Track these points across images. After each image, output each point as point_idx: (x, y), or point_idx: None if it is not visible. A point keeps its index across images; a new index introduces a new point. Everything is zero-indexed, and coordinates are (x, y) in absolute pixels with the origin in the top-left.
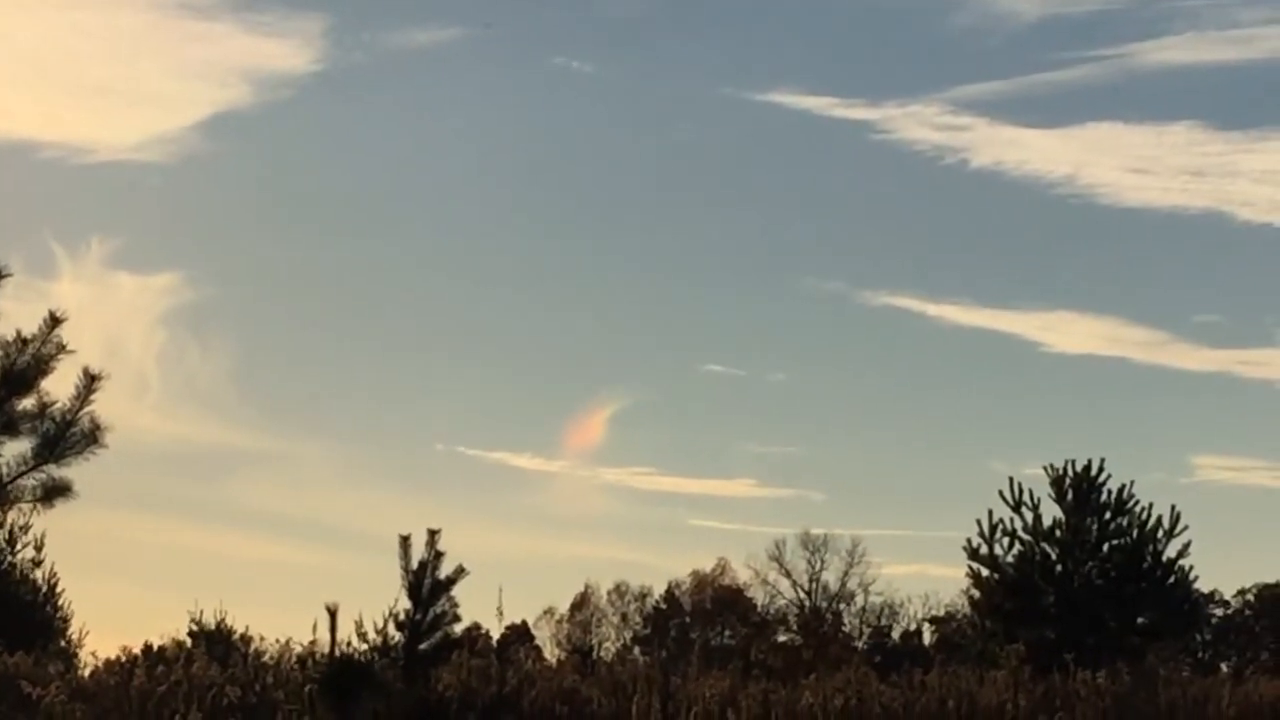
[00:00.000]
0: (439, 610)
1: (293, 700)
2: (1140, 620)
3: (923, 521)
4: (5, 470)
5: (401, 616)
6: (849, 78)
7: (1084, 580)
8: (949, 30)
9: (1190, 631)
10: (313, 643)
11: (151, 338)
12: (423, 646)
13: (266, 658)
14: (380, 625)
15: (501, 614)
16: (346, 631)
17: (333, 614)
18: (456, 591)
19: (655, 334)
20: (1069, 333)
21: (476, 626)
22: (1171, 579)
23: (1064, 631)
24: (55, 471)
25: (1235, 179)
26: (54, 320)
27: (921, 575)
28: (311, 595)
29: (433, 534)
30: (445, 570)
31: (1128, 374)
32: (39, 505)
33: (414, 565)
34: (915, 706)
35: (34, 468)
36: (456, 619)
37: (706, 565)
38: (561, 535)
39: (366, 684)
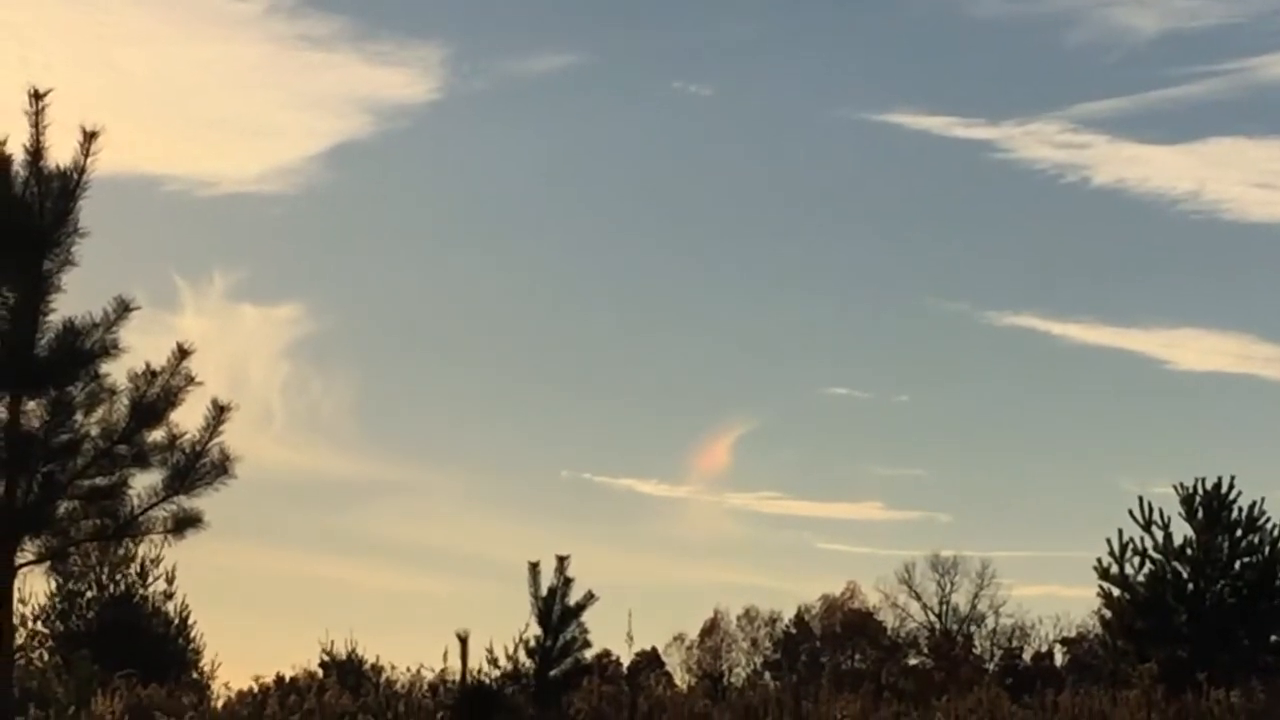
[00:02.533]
0: (569, 636)
1: None
2: (1274, 638)
3: (1050, 542)
4: (137, 502)
5: (532, 643)
6: (968, 97)
7: (1216, 599)
8: (1067, 47)
9: None
10: (443, 670)
11: (275, 369)
12: (553, 673)
13: (398, 686)
14: (510, 651)
15: (631, 640)
16: (477, 659)
17: (463, 641)
18: (586, 617)
19: (779, 357)
20: (1195, 350)
21: (607, 653)
22: None
23: (1196, 650)
24: (186, 503)
25: None
26: (182, 352)
27: (1050, 596)
28: (441, 624)
29: (561, 560)
30: (574, 596)
31: (1255, 390)
32: (170, 537)
33: (543, 592)
34: None
35: (164, 499)
36: (587, 645)
37: (835, 589)
38: (689, 561)
39: (498, 710)
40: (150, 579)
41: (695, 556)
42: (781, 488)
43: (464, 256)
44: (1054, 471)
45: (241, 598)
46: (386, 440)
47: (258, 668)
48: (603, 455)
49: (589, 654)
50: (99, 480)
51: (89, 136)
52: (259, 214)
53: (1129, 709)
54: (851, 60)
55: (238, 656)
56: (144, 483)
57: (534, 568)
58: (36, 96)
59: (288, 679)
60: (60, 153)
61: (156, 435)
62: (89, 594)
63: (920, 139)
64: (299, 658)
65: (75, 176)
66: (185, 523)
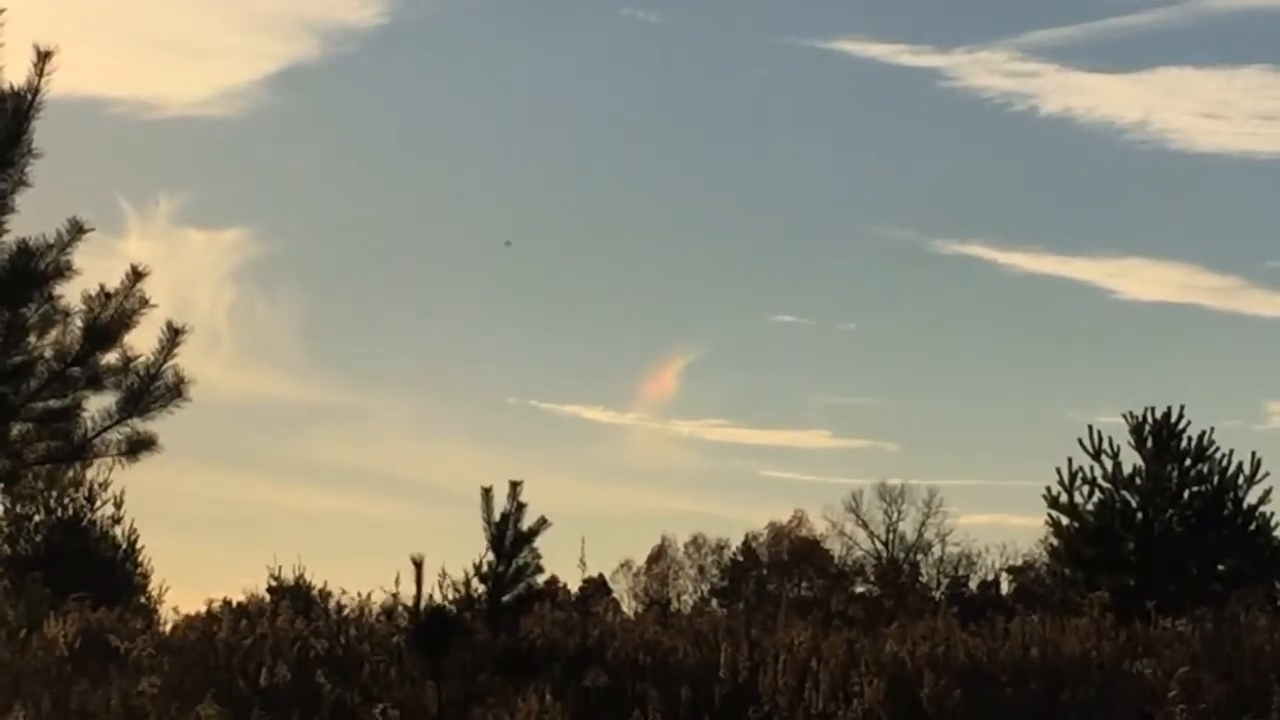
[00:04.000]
0: (521, 562)
1: (379, 652)
2: (1221, 567)
3: (997, 471)
4: (90, 425)
5: (484, 568)
6: (916, 24)
7: (1165, 527)
8: None
9: (1271, 578)
10: (394, 595)
11: (221, 293)
12: (506, 598)
13: (347, 611)
14: (465, 577)
15: (584, 566)
16: (430, 584)
17: (418, 565)
18: (538, 544)
19: (724, 285)
20: (1141, 280)
21: (555, 580)
22: (1253, 525)
23: (1145, 579)
24: (140, 425)
25: None
26: (136, 274)
27: (997, 525)
28: (387, 549)
29: (514, 485)
30: (527, 522)
31: (1201, 321)
32: (124, 459)
33: (496, 517)
34: (999, 654)
35: (118, 422)
36: (539, 571)
37: (782, 517)
38: (635, 488)
39: (456, 635)
40: (98, 503)
41: (641, 484)
42: (727, 415)
43: (410, 181)
44: (1000, 400)
45: (187, 522)
46: (333, 365)
47: (205, 592)
48: (549, 382)
49: (541, 579)
50: (52, 403)
51: (43, 56)
52: (205, 137)
53: (1079, 637)
54: None
55: (185, 581)
56: (97, 405)
57: (487, 493)
58: None
59: (236, 603)
60: (11, 74)
61: (110, 358)
62: (37, 518)
63: (868, 66)
64: (247, 582)
65: (29, 96)
66: (139, 445)
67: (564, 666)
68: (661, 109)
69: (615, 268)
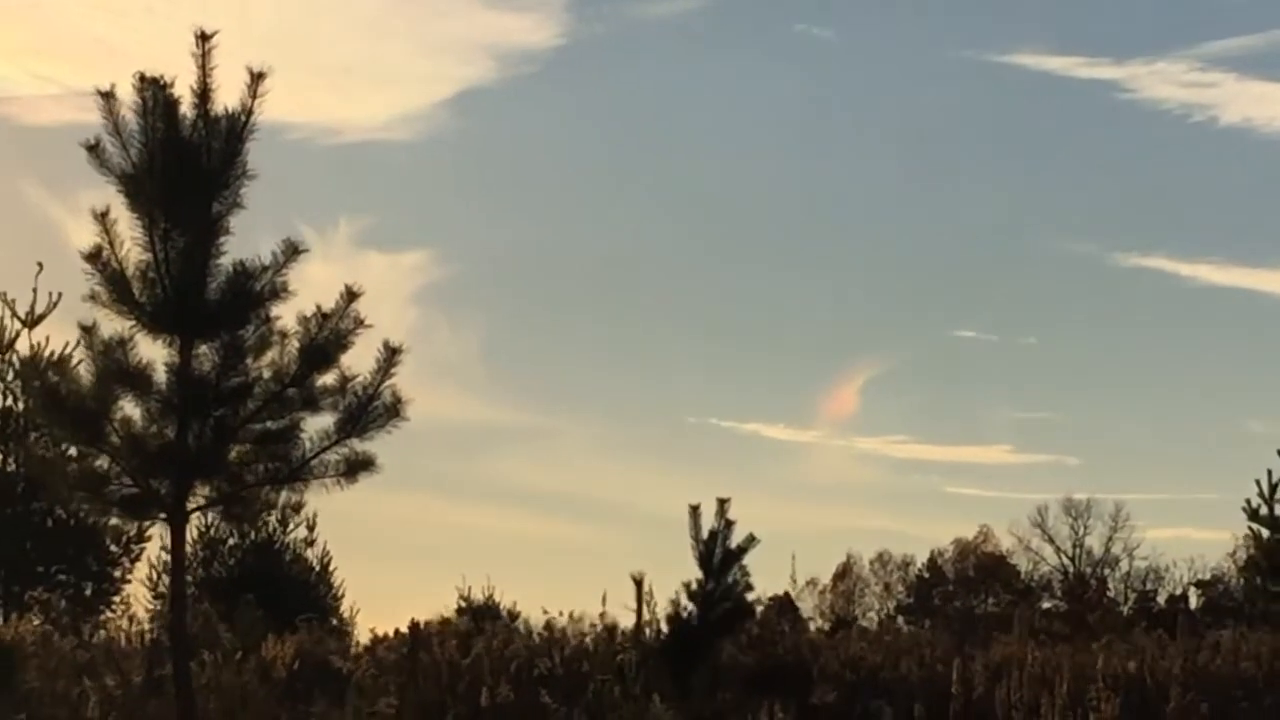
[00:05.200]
0: (731, 579)
1: (603, 671)
2: None
3: (1181, 484)
4: (309, 446)
5: (694, 586)
6: (1092, 36)
7: None
8: None
9: None
10: (601, 615)
11: (402, 316)
12: (715, 615)
13: (559, 630)
14: (674, 596)
15: (795, 582)
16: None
17: (639, 584)
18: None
19: (905, 301)
20: None
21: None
22: None
23: None
24: (358, 446)
25: None
26: (350, 295)
27: (1182, 539)
28: (573, 570)
29: (722, 503)
30: (735, 540)
31: None
32: (342, 480)
33: (704, 535)
34: (1212, 668)
35: (336, 442)
36: (749, 588)
37: (966, 533)
38: (818, 505)
39: (702, 652)
40: (290, 527)
41: (824, 501)
42: (909, 431)
43: (589, 202)
44: (1183, 413)
45: (374, 545)
46: (513, 387)
47: (394, 615)
48: (728, 400)
49: (750, 597)
50: (270, 424)
51: (256, 78)
52: (384, 161)
53: None
54: (974, 1)
55: (373, 604)
56: (315, 426)
57: (694, 510)
58: (204, 38)
59: (439, 621)
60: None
61: (327, 379)
62: (230, 541)
63: (1044, 80)
64: (435, 605)
65: (243, 118)
66: (358, 466)
67: (804, 684)
68: (836, 126)
69: (794, 284)
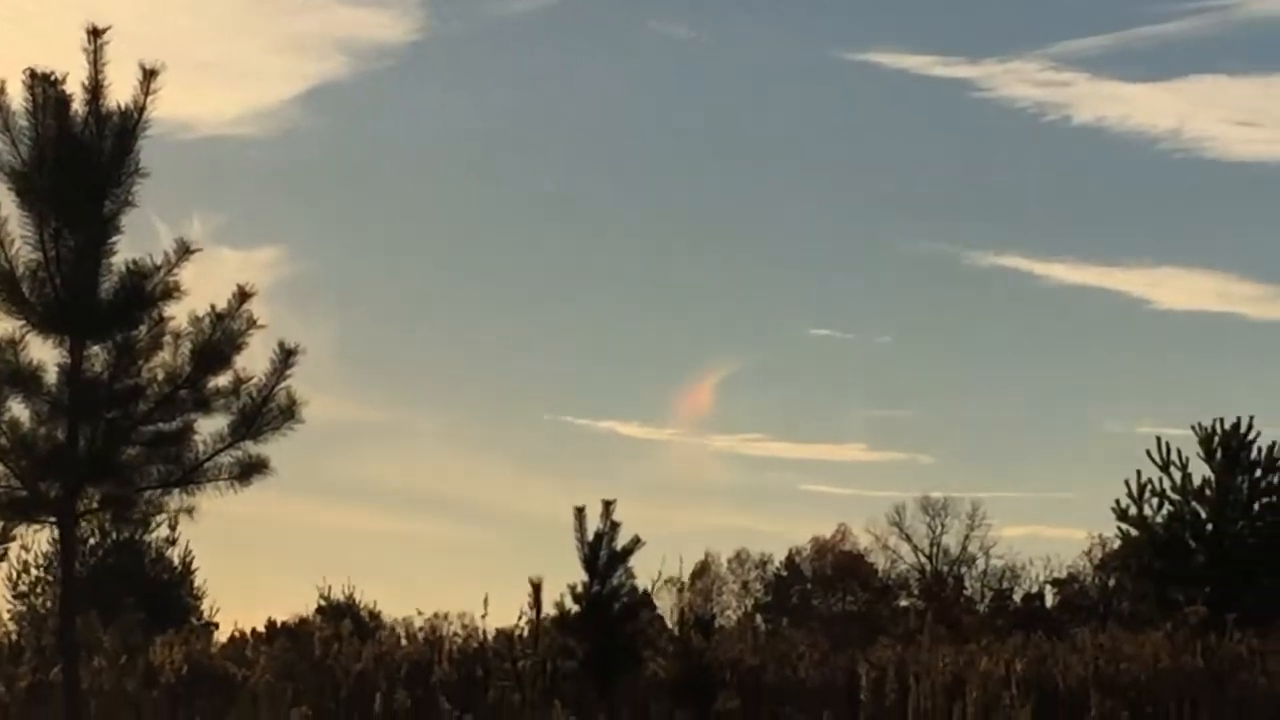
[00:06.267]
0: (616, 581)
1: (502, 677)
2: None
3: (1033, 483)
4: (202, 448)
5: (579, 588)
6: (947, 35)
7: (1235, 539)
8: None
9: None
10: (483, 616)
11: (256, 313)
12: (605, 617)
13: (438, 634)
14: (559, 599)
15: (663, 580)
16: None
17: (537, 588)
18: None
19: (761, 300)
20: (1177, 289)
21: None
22: None
23: (1217, 591)
24: (252, 448)
25: None
26: (243, 294)
27: (1036, 537)
28: (430, 567)
29: (608, 505)
30: (621, 541)
31: (1239, 329)
32: (236, 483)
33: (589, 537)
34: (1098, 669)
35: (230, 444)
36: (634, 590)
37: (820, 531)
38: (673, 503)
39: (630, 658)
40: (152, 526)
41: (680, 499)
42: (765, 430)
43: (443, 198)
44: (1038, 412)
45: (230, 543)
46: (368, 383)
47: (252, 613)
48: (585, 398)
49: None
50: (163, 426)
51: (148, 74)
52: (238, 157)
53: (1172, 652)
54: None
55: (232, 602)
56: (208, 429)
57: (579, 512)
58: (95, 34)
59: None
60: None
61: (220, 380)
62: (91, 540)
63: (899, 79)
64: (294, 603)
65: (135, 115)
66: (252, 469)
67: (734, 689)
68: (692, 124)
69: (650, 283)
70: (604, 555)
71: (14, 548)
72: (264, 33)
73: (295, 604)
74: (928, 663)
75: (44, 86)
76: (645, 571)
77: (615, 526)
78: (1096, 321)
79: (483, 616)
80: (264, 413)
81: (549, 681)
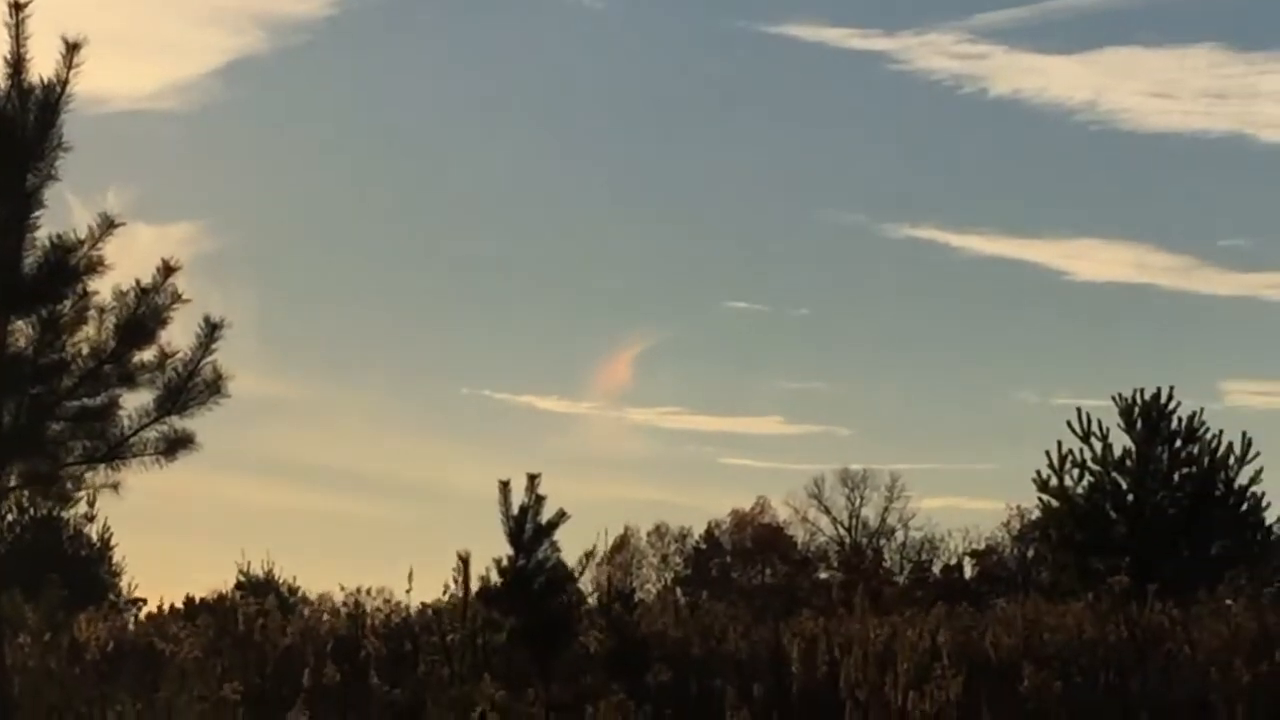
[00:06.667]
0: (541, 556)
1: (434, 651)
2: (1214, 550)
3: (952, 455)
4: (128, 424)
5: (504, 563)
6: (864, 8)
7: (1156, 510)
8: None
9: (1266, 559)
10: (407, 591)
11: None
12: (530, 591)
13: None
14: (484, 572)
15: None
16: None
17: (465, 562)
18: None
19: (676, 273)
20: (1094, 260)
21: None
22: (1244, 506)
23: (1138, 562)
24: (178, 423)
25: (1258, 100)
26: (167, 269)
27: (954, 508)
28: (350, 543)
29: (532, 479)
30: (545, 515)
31: (1155, 300)
32: (161, 459)
33: (514, 511)
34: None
35: (156, 419)
36: (561, 565)
37: (740, 504)
38: (592, 477)
39: (563, 634)
40: (70, 501)
41: (598, 473)
42: (683, 403)
43: (361, 173)
44: (954, 383)
45: (146, 518)
46: (286, 359)
47: (171, 590)
48: (502, 372)
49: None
50: (88, 401)
51: (71, 47)
52: (154, 131)
53: (1096, 623)
54: None
55: (149, 579)
56: (134, 404)
57: (504, 486)
58: (17, 7)
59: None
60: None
61: (145, 355)
62: (9, 516)
63: (816, 50)
64: (212, 579)
65: (58, 89)
66: (178, 444)
67: (661, 662)
68: (609, 96)
69: (566, 256)
70: (529, 529)
71: None
72: (182, 6)
73: (215, 580)
74: (858, 634)
75: None
76: (567, 546)
77: (540, 500)
78: (1013, 293)
79: (407, 591)
80: (189, 387)
81: (479, 655)
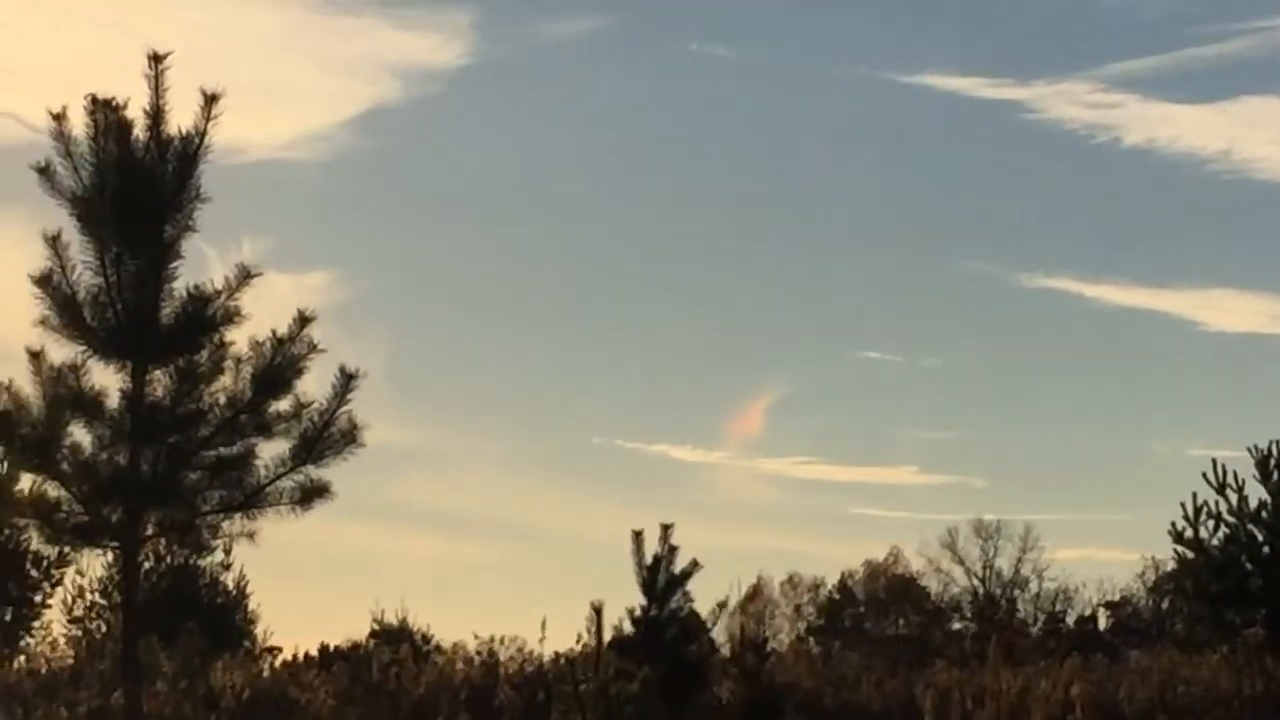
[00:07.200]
0: (674, 606)
1: (567, 700)
2: None
3: (1084, 505)
4: (264, 473)
5: (637, 612)
6: (998, 57)
7: None
8: (1100, 6)
9: None
10: (541, 640)
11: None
12: (663, 640)
13: (496, 659)
14: (618, 622)
15: (724, 606)
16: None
17: (598, 612)
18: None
19: (809, 322)
20: (1228, 310)
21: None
22: None
23: (1272, 614)
24: (313, 473)
25: None
26: (303, 319)
27: (1086, 559)
28: (483, 591)
29: (666, 529)
30: (679, 565)
31: None
32: (298, 508)
33: (648, 560)
34: (1162, 695)
35: (292, 469)
36: (693, 614)
37: (872, 554)
38: (724, 527)
39: (698, 681)
40: (207, 550)
41: (729, 523)
42: (815, 453)
43: (494, 222)
44: (1086, 434)
45: (283, 567)
46: (419, 407)
47: (305, 637)
48: (635, 421)
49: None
50: (224, 451)
51: (209, 99)
52: (288, 181)
53: (1234, 676)
54: (878, 21)
55: (285, 627)
56: (269, 453)
57: (638, 536)
58: (156, 59)
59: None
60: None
61: (281, 404)
62: (147, 564)
63: (950, 100)
64: (346, 628)
65: (196, 140)
66: (313, 493)
67: (799, 712)
68: (741, 145)
69: (699, 305)
70: (662, 579)
71: (70, 573)
72: (317, 57)
73: (349, 629)
74: (990, 685)
75: (105, 112)
76: (700, 595)
77: (673, 550)
78: (1146, 343)
79: (540, 640)
80: (325, 437)
81: (612, 704)
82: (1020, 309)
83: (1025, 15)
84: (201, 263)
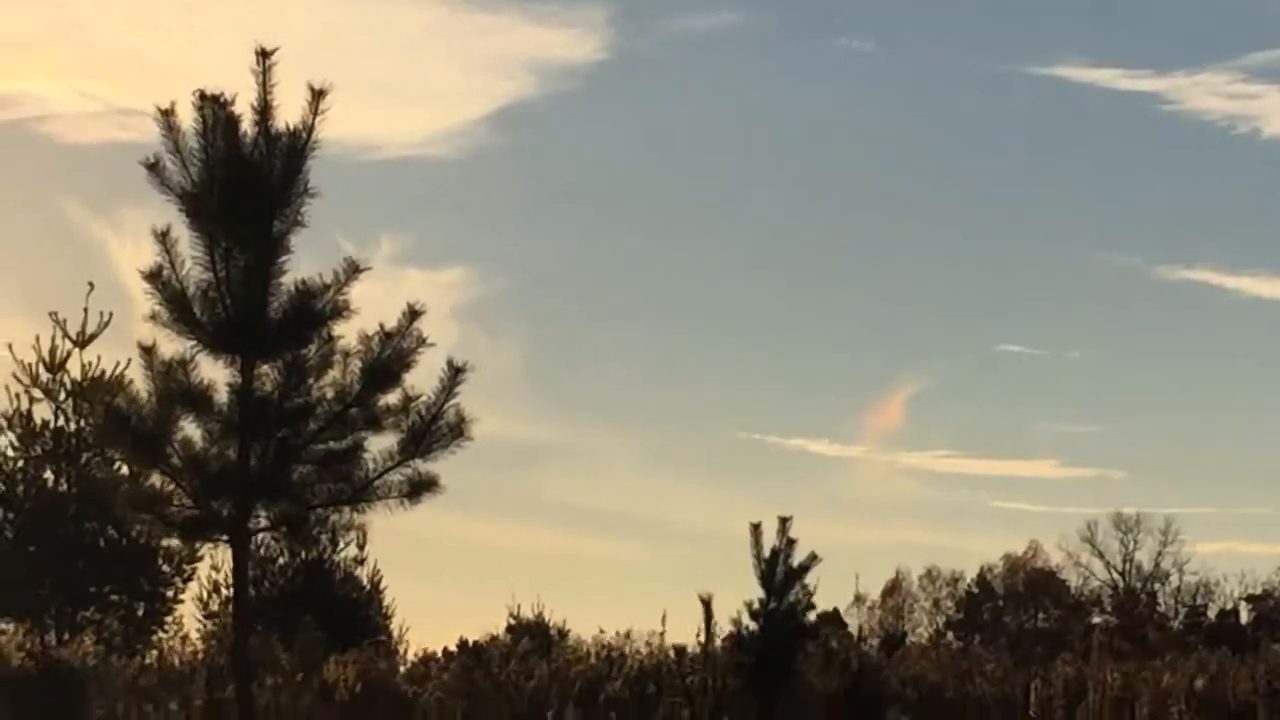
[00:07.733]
0: (793, 598)
1: (673, 694)
2: None
3: (1227, 499)
4: (372, 466)
5: (755, 605)
6: (1134, 48)
7: None
8: None
9: None
10: (660, 634)
11: (443, 333)
12: (780, 635)
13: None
14: (736, 615)
15: (861, 599)
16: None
17: (707, 604)
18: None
19: (950, 315)
20: None
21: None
22: None
23: None
24: (421, 466)
25: None
26: (412, 313)
27: (1229, 553)
28: (620, 586)
29: (784, 522)
30: (797, 558)
31: None
32: (406, 501)
33: (765, 554)
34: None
35: (400, 463)
36: (811, 607)
37: (1011, 547)
38: (863, 521)
39: (789, 676)
40: (341, 545)
41: (869, 517)
42: (955, 446)
43: (632, 217)
44: (1229, 426)
45: (419, 563)
46: (557, 403)
47: (442, 633)
48: (774, 416)
49: (813, 615)
50: (333, 445)
51: (317, 95)
52: (425, 177)
53: None
54: (1016, 13)
55: (421, 622)
56: (378, 447)
57: (756, 529)
58: (264, 55)
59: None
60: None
61: (390, 398)
62: (281, 560)
63: (1087, 91)
64: (484, 622)
65: (304, 135)
66: (421, 487)
67: (896, 707)
68: (879, 138)
69: (839, 299)
70: (780, 572)
71: (203, 568)
72: (453, 53)
73: (487, 623)
74: (1098, 678)
75: (213, 108)
76: (837, 588)
77: (791, 543)
78: None
79: (661, 634)
80: (433, 431)
81: (721, 697)
82: (1161, 301)
83: (1161, 5)
84: (340, 259)
